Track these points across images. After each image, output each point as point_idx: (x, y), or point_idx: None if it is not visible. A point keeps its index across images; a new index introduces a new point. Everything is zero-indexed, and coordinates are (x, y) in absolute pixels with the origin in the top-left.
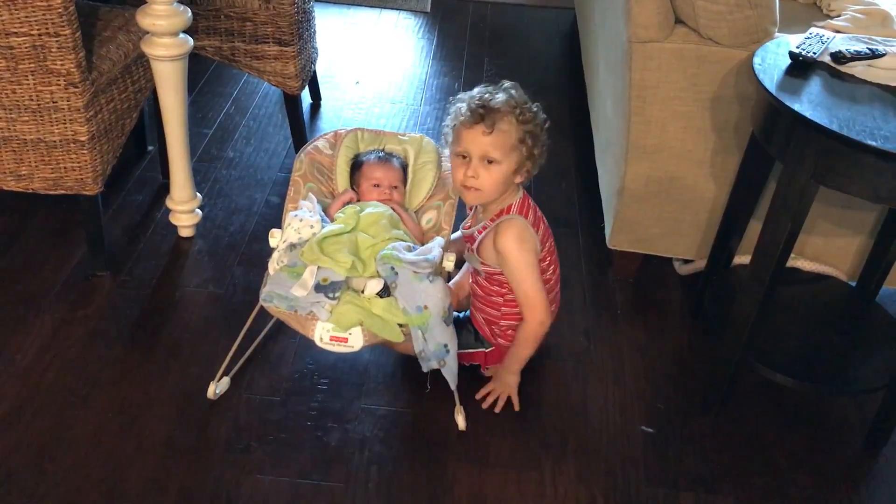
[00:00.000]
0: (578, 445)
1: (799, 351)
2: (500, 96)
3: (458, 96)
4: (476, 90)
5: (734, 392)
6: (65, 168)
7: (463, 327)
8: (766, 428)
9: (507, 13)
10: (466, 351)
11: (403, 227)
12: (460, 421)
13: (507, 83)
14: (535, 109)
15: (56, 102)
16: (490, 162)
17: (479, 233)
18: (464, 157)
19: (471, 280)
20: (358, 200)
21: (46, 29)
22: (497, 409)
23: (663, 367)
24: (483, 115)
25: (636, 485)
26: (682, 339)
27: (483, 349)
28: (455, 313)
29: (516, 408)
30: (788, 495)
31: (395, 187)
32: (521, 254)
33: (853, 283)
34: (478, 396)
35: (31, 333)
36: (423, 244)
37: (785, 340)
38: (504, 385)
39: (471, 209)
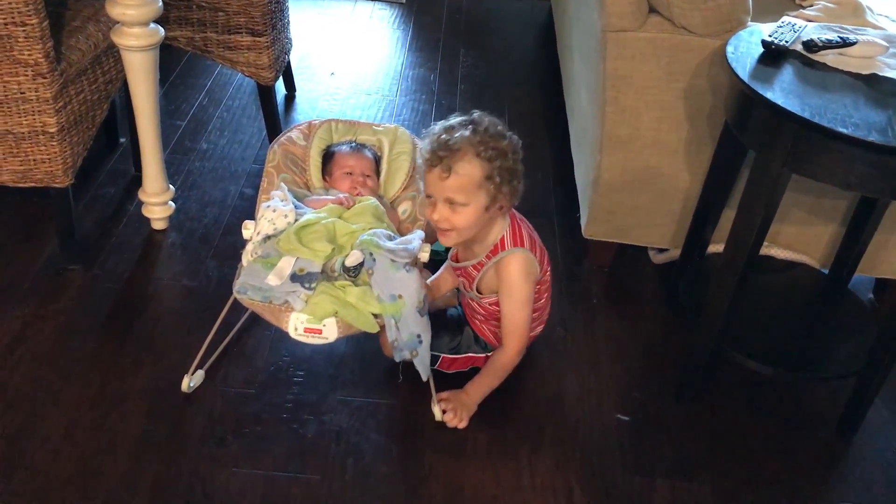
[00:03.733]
0: (555, 435)
1: (772, 338)
2: (461, 134)
3: (429, 128)
4: (440, 126)
5: (709, 380)
6: (34, 160)
7: (461, 331)
8: (740, 415)
9: (483, 4)
10: (467, 355)
11: (387, 219)
12: (436, 411)
13: (476, 114)
14: (503, 143)
15: (24, 93)
16: (453, 204)
17: (475, 269)
18: (430, 197)
19: (467, 299)
20: (351, 206)
21: (13, 18)
22: (450, 425)
23: (639, 356)
24: (441, 157)
25: (612, 473)
26: (657, 327)
27: (485, 353)
28: (454, 309)
29: (438, 418)
30: (763, 481)
31: (368, 176)
32: (523, 286)
33: (826, 271)
34: (438, 398)
35: (1, 328)
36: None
37: (759, 328)
38: (463, 406)
39: None
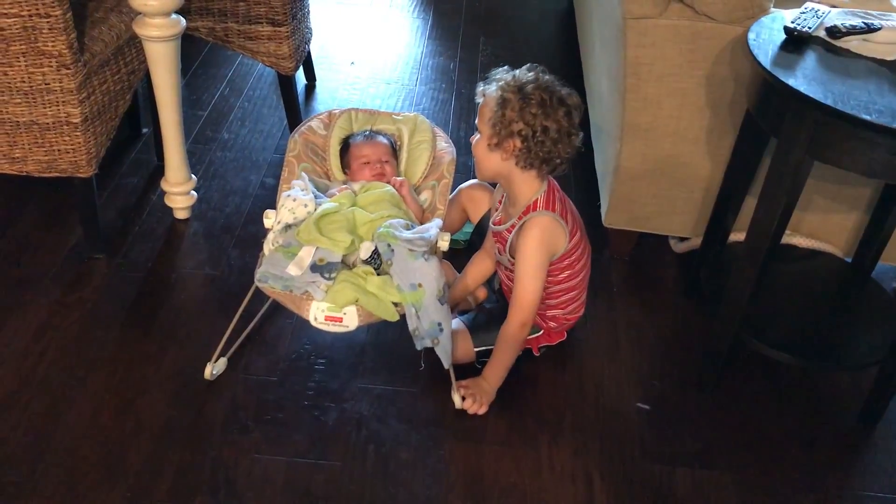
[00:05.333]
0: (575, 423)
1: (794, 327)
2: (505, 73)
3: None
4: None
5: (730, 368)
6: (58, 150)
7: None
8: (761, 404)
9: None
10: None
11: (405, 206)
12: (456, 399)
13: (536, 67)
14: (529, 90)
15: (48, 84)
16: (478, 133)
17: (508, 231)
18: None
19: (503, 277)
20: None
21: (37, 10)
22: (470, 412)
23: (659, 345)
24: (482, 83)
25: (632, 461)
26: (677, 316)
27: (536, 334)
28: (492, 306)
29: (458, 405)
30: (784, 470)
31: (386, 161)
32: (535, 254)
33: (849, 260)
34: (458, 385)
35: (27, 316)
36: (421, 223)
37: (780, 317)
38: (483, 392)
39: (500, 202)
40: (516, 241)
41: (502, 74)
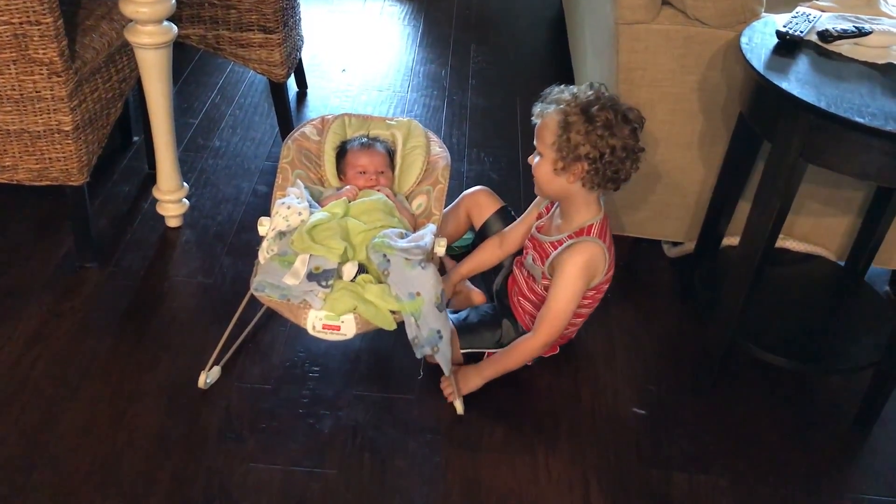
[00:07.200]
0: (571, 429)
1: (789, 331)
2: (564, 92)
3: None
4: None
5: (725, 373)
6: (49, 159)
7: (500, 325)
8: (757, 407)
9: None
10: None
11: (398, 214)
12: (458, 405)
13: (597, 87)
14: (594, 112)
15: (39, 92)
16: (538, 152)
17: (554, 246)
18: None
19: (519, 280)
20: (355, 196)
21: (28, 17)
22: (449, 399)
23: (654, 350)
24: (541, 104)
25: (629, 466)
26: (672, 321)
27: None
28: (485, 306)
29: (460, 411)
30: (780, 474)
31: (382, 172)
32: (577, 280)
33: (842, 263)
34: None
35: (18, 326)
36: (415, 230)
37: (775, 321)
38: (465, 384)
39: (547, 209)
40: (559, 259)
41: (558, 94)
